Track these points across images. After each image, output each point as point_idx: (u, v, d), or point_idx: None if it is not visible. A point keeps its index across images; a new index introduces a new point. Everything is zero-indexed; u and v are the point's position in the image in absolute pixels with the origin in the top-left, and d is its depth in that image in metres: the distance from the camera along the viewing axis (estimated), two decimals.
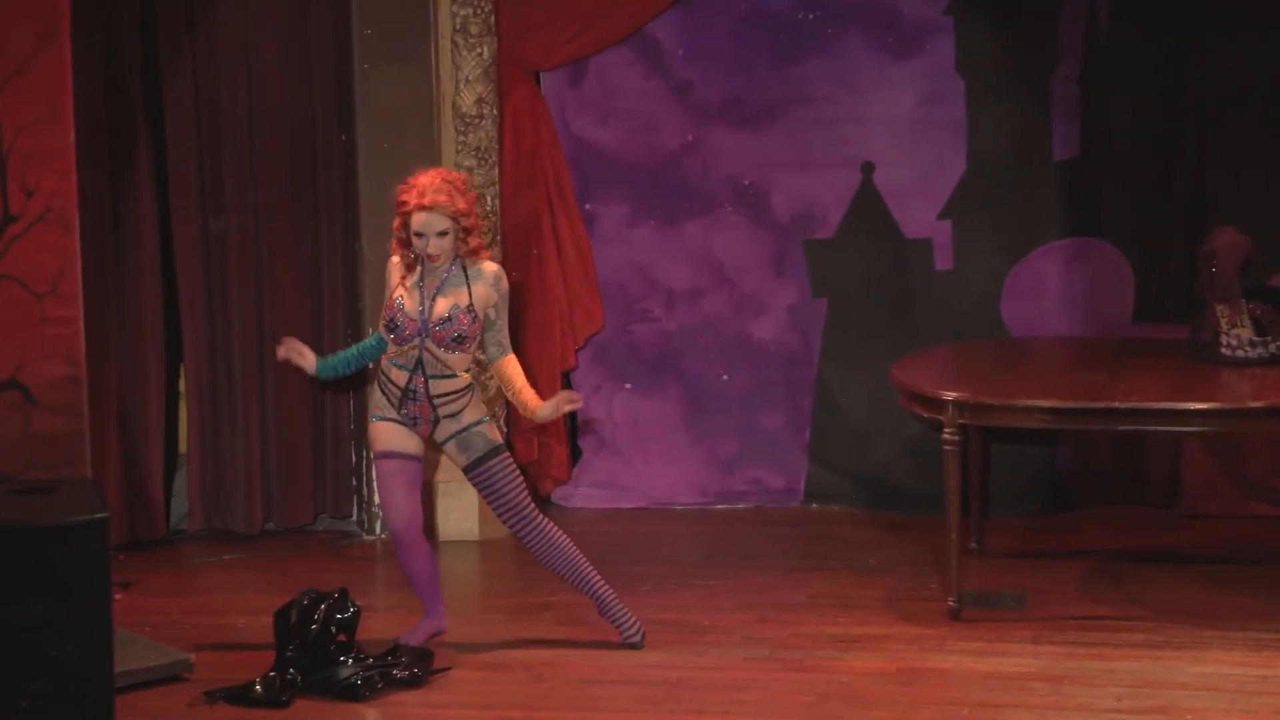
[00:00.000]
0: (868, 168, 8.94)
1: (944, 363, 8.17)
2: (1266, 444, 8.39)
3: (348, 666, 6.84)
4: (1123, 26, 8.67)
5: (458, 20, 8.62)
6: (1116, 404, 7.28)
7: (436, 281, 6.95)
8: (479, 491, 7.15)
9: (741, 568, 8.27)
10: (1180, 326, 8.68)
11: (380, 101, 8.63)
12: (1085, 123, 8.75)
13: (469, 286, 6.95)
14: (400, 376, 6.99)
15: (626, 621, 7.25)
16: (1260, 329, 7.75)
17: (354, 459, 8.91)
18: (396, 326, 6.94)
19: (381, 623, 7.44)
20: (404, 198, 6.90)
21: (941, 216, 8.91)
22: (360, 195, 8.71)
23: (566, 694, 6.85)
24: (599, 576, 7.22)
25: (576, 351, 9.15)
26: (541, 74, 9.01)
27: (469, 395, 7.04)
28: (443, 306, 6.93)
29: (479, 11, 8.64)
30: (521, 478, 7.10)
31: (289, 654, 6.86)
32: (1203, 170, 8.65)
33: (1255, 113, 8.53)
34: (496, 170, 8.78)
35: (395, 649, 7.05)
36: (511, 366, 7.08)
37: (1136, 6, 8.65)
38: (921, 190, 8.91)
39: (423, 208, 6.84)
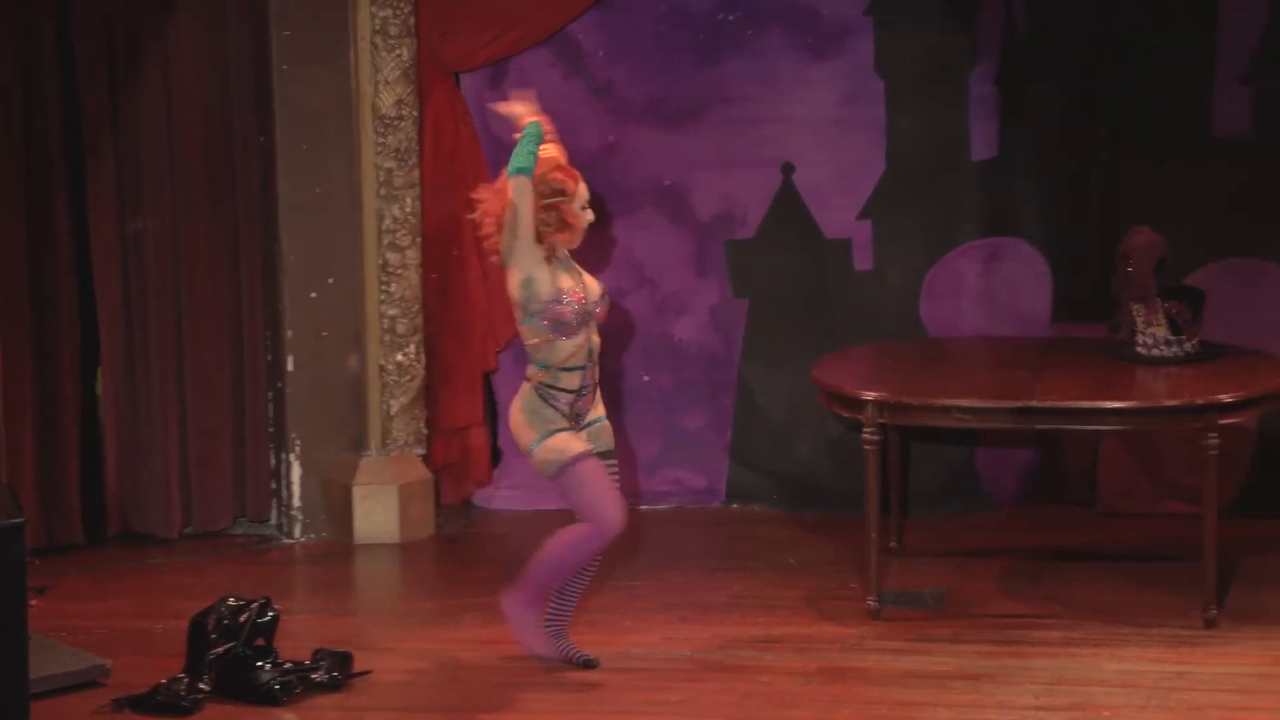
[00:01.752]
0: (788, 168, 8.96)
1: (864, 362, 8.20)
2: (1182, 442, 8.45)
3: (266, 671, 6.81)
4: (1039, 27, 8.73)
5: (377, 21, 8.59)
6: (1034, 403, 7.32)
7: (567, 263, 6.81)
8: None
9: (663, 568, 8.27)
10: (1097, 325, 8.74)
11: (299, 103, 8.60)
12: (1003, 122, 8.80)
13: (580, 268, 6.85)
14: (573, 380, 6.76)
15: (564, 648, 7.05)
16: (1175, 328, 7.81)
17: (273, 462, 8.87)
18: (578, 311, 6.68)
19: (301, 626, 7.41)
20: (561, 175, 6.70)
21: (861, 216, 8.94)
22: (279, 197, 8.67)
23: (487, 696, 6.84)
24: (575, 599, 7.04)
25: (497, 353, 9.13)
26: (461, 75, 8.99)
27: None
28: (593, 286, 6.82)
29: (398, 13, 8.61)
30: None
31: (210, 658, 6.82)
32: (1118, 170, 8.71)
33: (1170, 112, 8.59)
34: (417, 172, 8.75)
35: (316, 653, 7.02)
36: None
37: (1052, 7, 8.70)
38: (841, 190, 8.93)
39: (579, 179, 6.76)
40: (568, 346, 6.72)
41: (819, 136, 8.91)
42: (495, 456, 9.27)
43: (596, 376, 6.86)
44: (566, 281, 6.74)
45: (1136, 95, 8.65)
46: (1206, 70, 8.59)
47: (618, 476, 6.94)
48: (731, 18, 8.88)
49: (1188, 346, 7.80)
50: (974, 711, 6.61)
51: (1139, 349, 7.86)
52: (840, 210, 8.96)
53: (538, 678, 6.99)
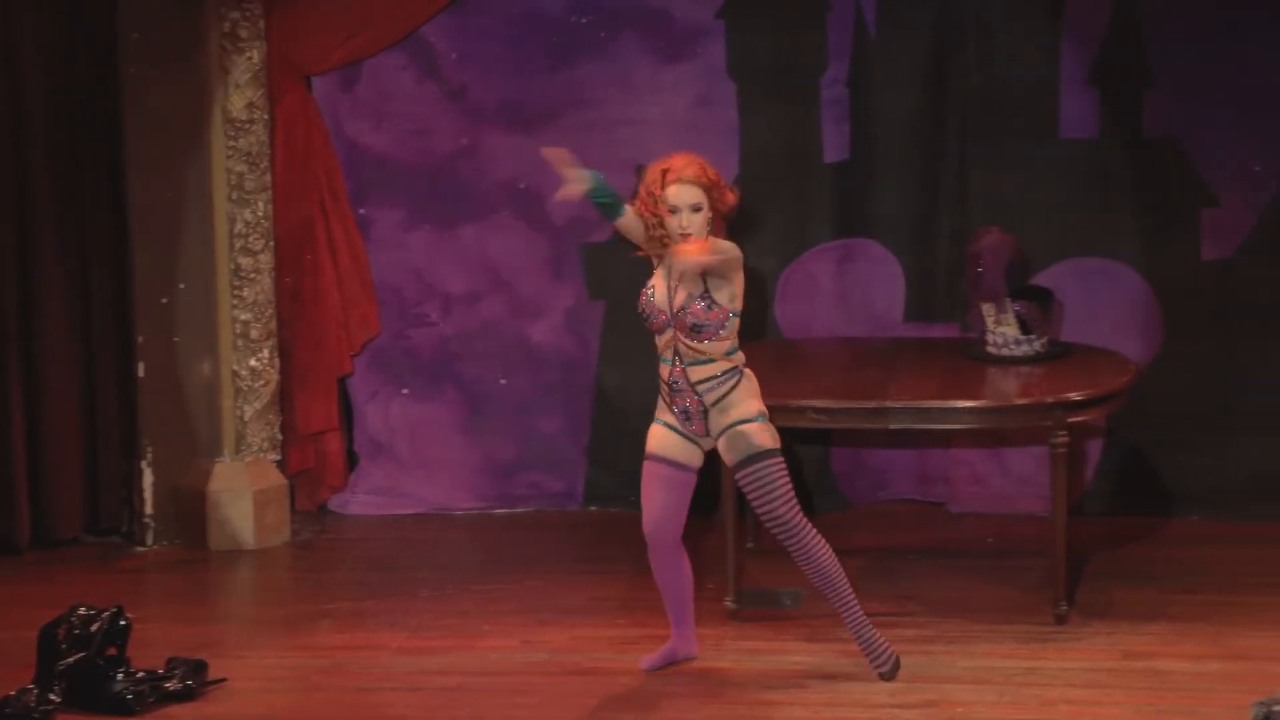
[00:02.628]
0: (642, 170, 8.95)
1: None
2: (1032, 440, 8.56)
3: (118, 680, 6.73)
4: (888, 30, 8.80)
5: (227, 24, 8.51)
6: (888, 403, 7.38)
7: (679, 271, 6.72)
8: (745, 494, 6.87)
9: (521, 572, 8.26)
10: (949, 325, 8.85)
11: (149, 106, 8.50)
12: (854, 124, 8.86)
13: (707, 274, 6.73)
14: (664, 370, 6.82)
15: (877, 650, 6.90)
16: (1025, 328, 7.91)
17: (125, 469, 8.76)
18: (647, 317, 6.77)
19: (154, 635, 7.32)
20: (656, 172, 6.78)
21: None
22: (129, 201, 8.57)
23: (345, 703, 6.80)
24: (856, 601, 6.88)
25: (353, 358, 9.08)
26: (313, 78, 8.93)
27: (734, 381, 6.78)
28: (680, 296, 6.75)
29: (248, 15, 8.54)
30: (789, 486, 6.76)
31: (60, 668, 6.73)
32: (968, 172, 8.79)
33: (1019, 115, 8.69)
34: (269, 176, 8.69)
35: (169, 661, 6.94)
36: None
37: (901, 10, 8.77)
38: None
39: (678, 180, 6.73)
40: (658, 340, 6.83)
41: (673, 139, 8.90)
42: (352, 462, 9.22)
43: (693, 378, 6.77)
44: (656, 285, 6.80)
45: (986, 98, 8.74)
46: (1053, 73, 8.70)
47: (755, 484, 6.78)
48: (584, 20, 8.89)
49: (1037, 345, 7.90)
50: (830, 710, 6.66)
51: (989, 348, 7.95)
52: None
53: (395, 682, 6.96)
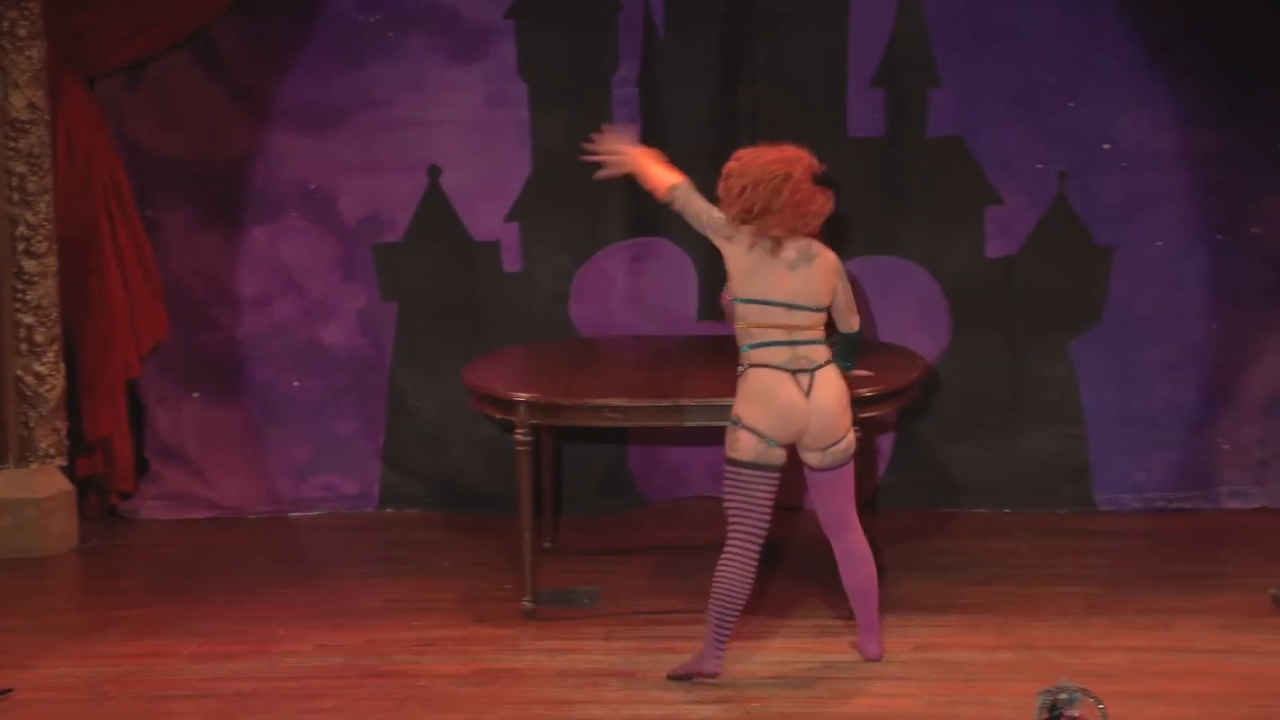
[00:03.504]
0: (434, 170, 8.94)
1: (514, 364, 8.22)
2: None
3: None
4: (678, 30, 8.84)
5: (5, 22, 8.34)
6: (683, 401, 7.42)
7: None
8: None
9: (316, 575, 8.19)
10: None
11: None
12: (645, 124, 8.90)
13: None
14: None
15: (704, 657, 6.84)
16: None
17: None
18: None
19: None
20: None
21: (509, 219, 8.97)
22: None
23: (136, 711, 6.70)
24: (730, 620, 6.82)
25: (140, 360, 8.95)
26: (96, 78, 8.78)
27: (741, 377, 6.76)
28: None
29: (27, 14, 8.37)
30: (736, 500, 6.76)
31: None
32: None
33: (807, 115, 8.77)
34: (50, 177, 8.52)
35: None
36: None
37: (689, 11, 8.82)
38: (489, 193, 8.95)
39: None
40: None
41: (465, 139, 8.91)
42: (142, 466, 9.08)
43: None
44: None
45: (775, 97, 8.82)
46: (840, 73, 8.80)
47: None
48: (373, 20, 8.83)
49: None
50: (627, 708, 6.68)
51: None
52: (488, 213, 8.97)
53: (187, 689, 6.87)
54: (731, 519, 6.81)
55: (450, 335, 9.00)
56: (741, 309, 6.77)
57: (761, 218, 6.69)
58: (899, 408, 7.87)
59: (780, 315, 6.74)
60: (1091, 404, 8.85)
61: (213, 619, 7.58)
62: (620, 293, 9.03)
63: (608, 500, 9.08)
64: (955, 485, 8.89)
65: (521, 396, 7.47)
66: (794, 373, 6.74)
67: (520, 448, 7.47)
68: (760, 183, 6.68)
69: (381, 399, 9.08)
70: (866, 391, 7.39)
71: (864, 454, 7.51)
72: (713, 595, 6.83)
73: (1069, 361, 8.85)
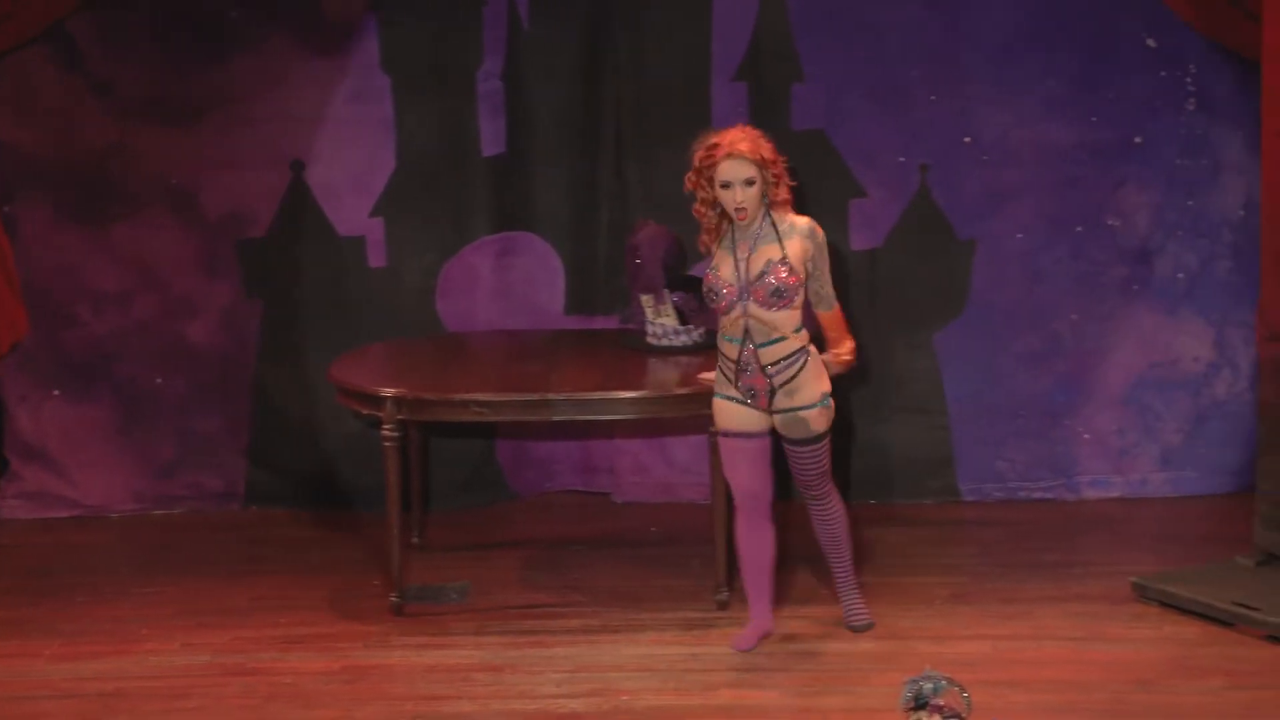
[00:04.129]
0: (298, 166, 8.89)
1: (381, 360, 8.19)
2: (692, 429, 8.67)
3: None
4: (542, 24, 8.84)
5: None
6: (550, 395, 7.43)
7: (749, 242, 6.83)
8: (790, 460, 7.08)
9: (181, 573, 8.13)
10: (609, 317, 8.93)
11: None
12: (511, 118, 8.89)
13: (780, 241, 6.82)
14: (731, 350, 6.87)
15: (855, 608, 7.30)
16: (683, 318, 8.02)
17: None
18: (718, 295, 6.85)
19: None
20: (705, 149, 6.80)
21: (374, 214, 8.93)
22: None
23: None
24: (852, 563, 7.29)
25: (0, 359, 8.82)
26: None
27: (802, 361, 6.88)
28: (757, 263, 6.80)
29: None
30: (829, 464, 7.08)
31: None
32: (625, 165, 8.88)
33: (672, 109, 8.80)
34: None
35: None
36: (828, 319, 7.00)
37: (555, 4, 8.82)
38: (353, 188, 8.90)
39: (729, 155, 6.75)
40: (724, 319, 6.91)
41: (328, 134, 8.86)
42: (2, 466, 8.97)
43: (765, 359, 6.89)
44: (721, 263, 6.92)
45: (639, 91, 8.84)
46: (704, 67, 8.82)
47: (805, 461, 7.04)
48: (234, 14, 8.76)
49: (695, 335, 8.01)
50: (497, 702, 6.68)
51: (650, 339, 8.05)
52: (352, 208, 8.93)
53: (49, 690, 6.80)
54: (824, 480, 7.12)
55: (316, 331, 8.95)
56: (804, 294, 6.97)
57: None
58: None
59: None
60: (955, 395, 8.94)
61: (75, 619, 7.50)
62: (487, 287, 9.02)
63: (476, 495, 9.07)
64: None
65: (388, 392, 7.44)
66: None
67: (387, 443, 7.45)
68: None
69: (246, 396, 9.02)
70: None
71: None
72: (835, 545, 7.23)
73: (932, 353, 8.93)
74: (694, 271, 8.61)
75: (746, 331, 6.91)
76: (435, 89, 8.83)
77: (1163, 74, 8.71)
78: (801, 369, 6.93)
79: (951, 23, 8.72)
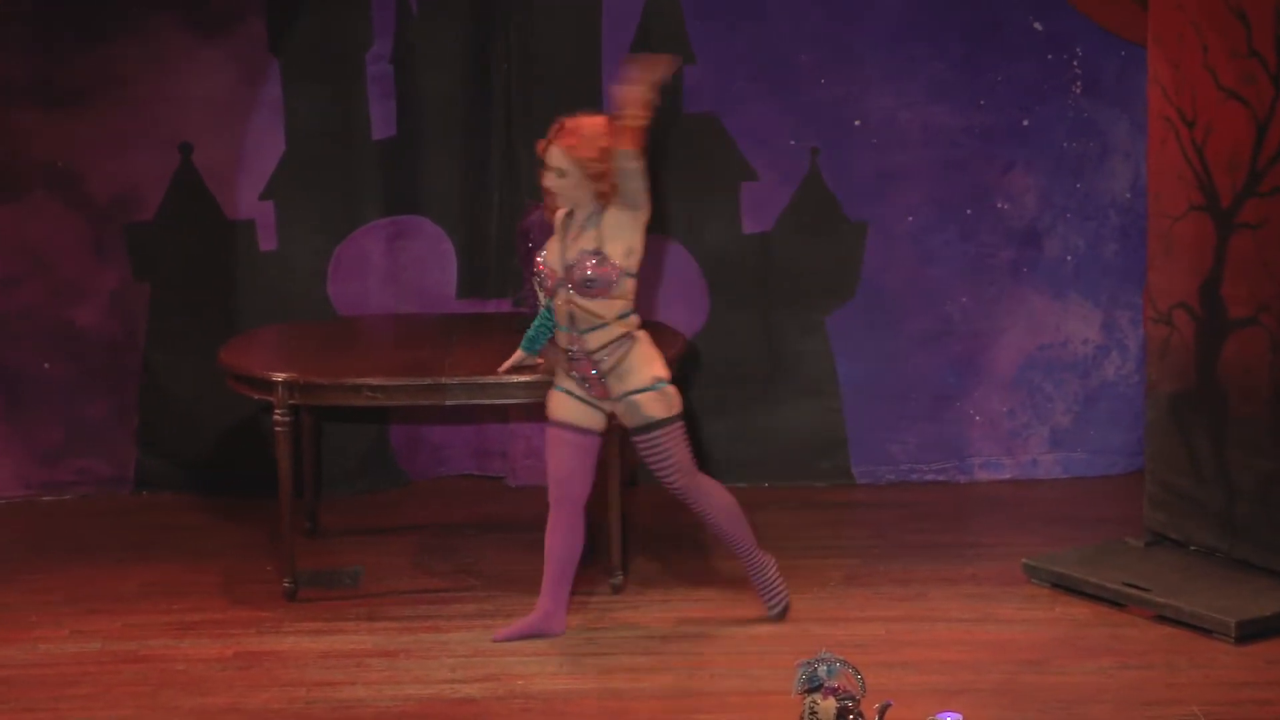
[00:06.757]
0: (186, 148, 8.81)
1: (272, 344, 8.14)
2: None
3: None
4: (432, 7, 8.80)
5: None
6: (444, 379, 7.42)
7: (576, 230, 6.84)
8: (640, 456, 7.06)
9: (69, 560, 8.05)
10: (502, 300, 8.92)
11: None
12: (401, 101, 8.85)
13: (601, 233, 6.81)
14: (562, 338, 6.94)
15: (772, 591, 7.22)
16: None
17: None
18: (541, 279, 6.93)
19: None
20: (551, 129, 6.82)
21: (263, 197, 8.87)
22: None
23: None
24: (755, 544, 7.19)
25: None
26: None
27: (626, 347, 6.86)
28: (572, 251, 6.80)
29: None
30: (682, 454, 6.98)
31: None
32: (515, 148, 8.86)
33: (561, 92, 8.77)
34: None
35: None
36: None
37: None
38: (242, 171, 8.84)
39: (550, 145, 6.81)
40: (555, 306, 6.96)
41: (216, 117, 8.79)
42: None
43: (590, 346, 6.88)
44: (551, 247, 6.96)
45: (529, 74, 8.81)
46: (594, 50, 8.81)
47: (650, 451, 6.97)
48: None
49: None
50: (391, 688, 6.66)
51: None
52: (242, 191, 8.86)
53: None
54: (681, 473, 7.02)
55: (206, 315, 8.88)
56: (631, 283, 6.92)
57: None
58: None
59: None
60: (847, 377, 8.98)
61: None
62: (379, 271, 8.98)
63: (370, 480, 9.03)
64: (716, 460, 8.97)
65: (279, 376, 7.40)
66: None
67: (279, 428, 7.41)
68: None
69: (135, 381, 8.94)
70: None
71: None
72: (728, 535, 7.15)
73: (824, 335, 8.97)
74: None
75: (571, 318, 6.92)
76: (324, 72, 8.78)
77: (1049, 57, 8.78)
78: (627, 354, 6.94)
79: (841, 6, 8.75)
